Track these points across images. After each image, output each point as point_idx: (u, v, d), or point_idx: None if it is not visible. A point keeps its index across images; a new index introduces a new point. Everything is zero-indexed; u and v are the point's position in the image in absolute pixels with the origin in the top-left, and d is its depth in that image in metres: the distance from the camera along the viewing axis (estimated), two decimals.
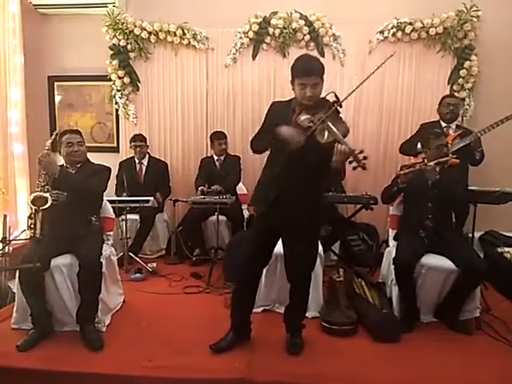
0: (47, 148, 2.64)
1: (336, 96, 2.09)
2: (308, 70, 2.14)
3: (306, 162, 2.12)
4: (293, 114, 2.20)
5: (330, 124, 1.99)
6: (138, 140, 4.38)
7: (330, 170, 2.07)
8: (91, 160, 2.95)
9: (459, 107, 3.66)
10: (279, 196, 2.28)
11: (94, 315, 2.63)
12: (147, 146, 4.48)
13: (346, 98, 2.12)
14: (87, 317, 2.59)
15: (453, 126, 3.66)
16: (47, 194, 2.57)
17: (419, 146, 3.55)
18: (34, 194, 2.59)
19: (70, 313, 2.65)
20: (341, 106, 2.09)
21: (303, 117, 2.11)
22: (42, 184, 2.63)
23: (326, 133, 2.00)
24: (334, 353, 2.48)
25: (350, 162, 1.93)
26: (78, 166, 2.83)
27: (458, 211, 3.12)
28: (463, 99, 4.18)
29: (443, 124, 3.67)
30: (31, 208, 2.56)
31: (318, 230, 2.57)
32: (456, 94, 4.19)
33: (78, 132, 2.90)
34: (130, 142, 4.43)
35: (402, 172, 2.94)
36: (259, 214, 2.46)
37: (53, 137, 2.76)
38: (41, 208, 2.53)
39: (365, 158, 1.91)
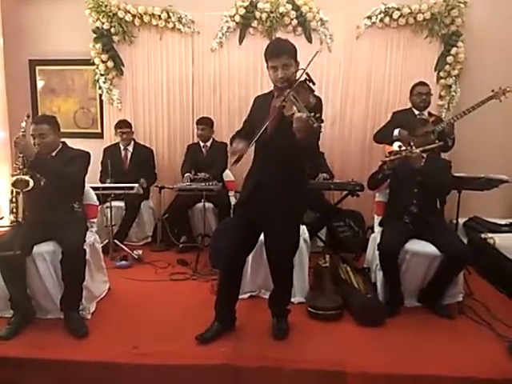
0: (22, 130, 2.58)
1: (307, 74, 2.06)
2: (277, 51, 2.14)
3: (281, 145, 2.10)
4: (271, 101, 2.20)
5: (293, 96, 1.98)
6: (124, 126, 4.31)
7: (303, 149, 2.04)
8: (70, 145, 2.86)
9: (430, 94, 3.69)
10: (259, 182, 2.27)
11: (79, 303, 2.61)
12: (133, 133, 4.40)
13: None
14: (71, 304, 2.57)
15: (425, 113, 3.68)
16: (28, 177, 2.52)
17: (396, 133, 3.56)
18: (15, 177, 2.53)
19: (53, 300, 2.63)
20: (314, 84, 2.08)
21: (277, 99, 2.13)
22: (20, 167, 2.56)
23: (291, 105, 1.99)
24: (319, 338, 2.50)
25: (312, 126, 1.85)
26: (54, 154, 2.75)
27: (441, 198, 3.14)
28: (450, 86, 4.20)
29: (416, 112, 3.68)
30: (12, 191, 2.50)
31: (299, 217, 2.48)
32: (443, 80, 4.21)
33: (45, 121, 2.72)
34: (115, 129, 4.35)
35: (387, 159, 2.94)
36: (240, 202, 2.46)
37: (26, 119, 2.67)
38: (23, 191, 2.48)
39: (322, 120, 1.89)
